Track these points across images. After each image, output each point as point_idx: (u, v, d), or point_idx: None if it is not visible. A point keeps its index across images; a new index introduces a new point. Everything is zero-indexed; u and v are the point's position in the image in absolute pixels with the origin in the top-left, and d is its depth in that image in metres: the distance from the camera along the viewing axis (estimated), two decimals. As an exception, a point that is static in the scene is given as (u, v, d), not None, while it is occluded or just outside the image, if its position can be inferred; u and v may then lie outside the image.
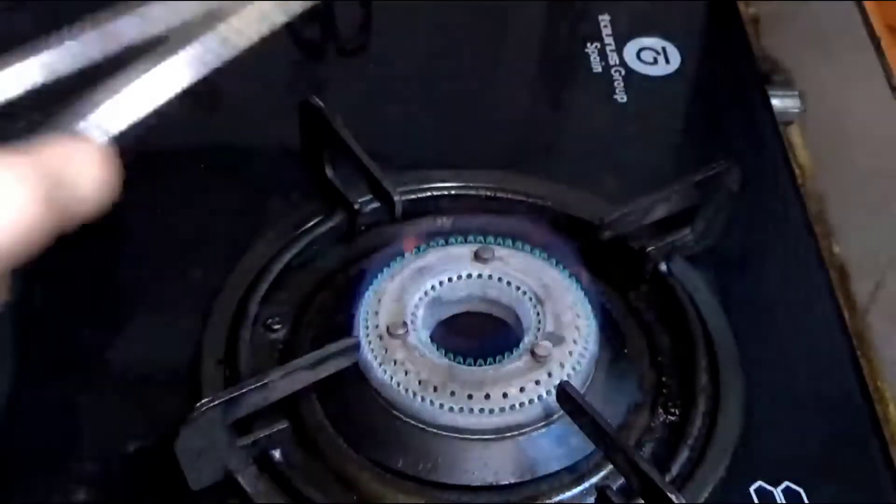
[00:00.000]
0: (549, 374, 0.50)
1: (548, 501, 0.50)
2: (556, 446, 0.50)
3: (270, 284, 0.57)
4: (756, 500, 0.52)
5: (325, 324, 0.56)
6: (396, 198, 0.56)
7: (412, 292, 0.53)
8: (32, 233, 0.30)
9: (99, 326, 0.58)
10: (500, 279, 0.54)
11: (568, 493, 0.50)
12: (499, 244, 0.56)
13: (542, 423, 0.50)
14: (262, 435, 0.50)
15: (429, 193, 0.62)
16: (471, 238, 0.56)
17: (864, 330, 0.67)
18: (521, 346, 0.52)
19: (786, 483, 0.52)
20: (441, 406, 0.49)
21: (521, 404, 0.49)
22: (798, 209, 0.66)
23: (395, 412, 0.50)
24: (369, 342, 0.51)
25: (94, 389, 0.55)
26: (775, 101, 0.72)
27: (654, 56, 0.73)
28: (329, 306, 0.57)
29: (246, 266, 0.58)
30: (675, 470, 0.51)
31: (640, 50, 0.73)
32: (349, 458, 0.51)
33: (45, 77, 0.33)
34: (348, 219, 0.60)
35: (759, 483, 0.52)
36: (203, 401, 0.45)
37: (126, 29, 0.35)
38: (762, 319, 0.60)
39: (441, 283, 0.54)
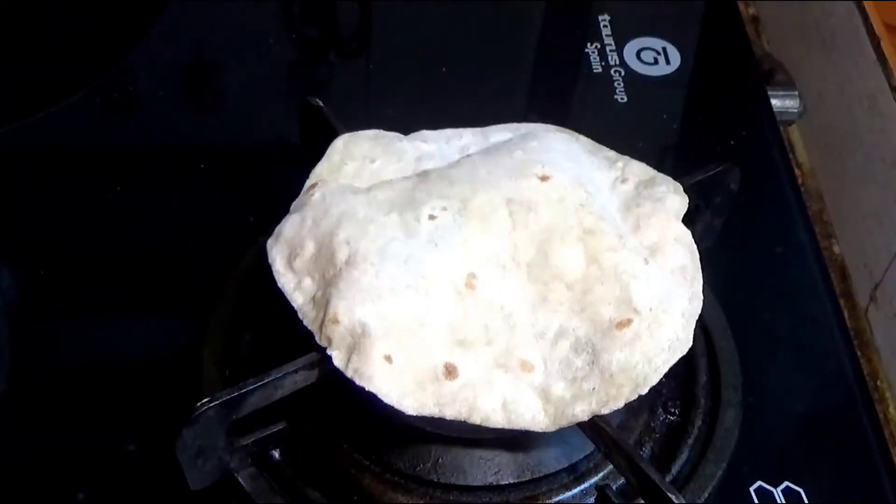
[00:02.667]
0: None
1: (548, 501, 0.50)
2: (556, 446, 0.50)
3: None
4: (756, 500, 0.52)
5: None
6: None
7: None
8: None
9: (99, 326, 0.58)
10: None
11: (568, 493, 0.50)
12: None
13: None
14: (261, 435, 0.50)
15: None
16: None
17: (864, 330, 0.67)
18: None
19: (786, 483, 0.52)
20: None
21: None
22: (798, 209, 0.66)
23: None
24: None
25: (94, 390, 0.55)
26: (775, 101, 0.72)
27: (654, 56, 0.73)
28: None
29: (246, 266, 0.58)
30: (675, 470, 0.51)
31: (640, 50, 0.73)
32: (349, 458, 0.51)
33: None
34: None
35: (759, 483, 0.52)
36: (203, 401, 0.45)
37: None
38: (762, 319, 0.60)
39: None
